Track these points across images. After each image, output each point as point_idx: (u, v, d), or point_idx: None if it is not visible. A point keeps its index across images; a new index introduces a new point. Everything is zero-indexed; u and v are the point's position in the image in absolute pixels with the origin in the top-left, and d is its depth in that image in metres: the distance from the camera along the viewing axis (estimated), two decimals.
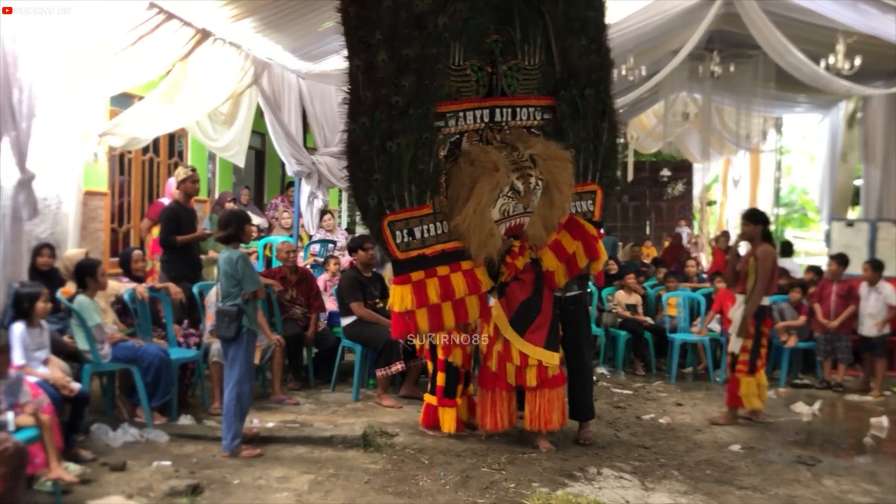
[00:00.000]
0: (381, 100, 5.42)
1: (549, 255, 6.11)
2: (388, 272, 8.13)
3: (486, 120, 6.03)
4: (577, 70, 6.30)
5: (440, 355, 6.26)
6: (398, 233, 5.59)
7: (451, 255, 5.77)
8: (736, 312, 7.15)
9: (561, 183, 5.97)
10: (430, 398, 6.38)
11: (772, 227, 18.28)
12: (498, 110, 6.08)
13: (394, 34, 5.41)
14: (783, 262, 10.48)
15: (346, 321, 7.61)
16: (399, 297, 5.63)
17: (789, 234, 21.68)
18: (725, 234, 14.45)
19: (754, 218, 7.35)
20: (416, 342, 6.51)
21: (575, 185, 6.24)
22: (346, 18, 5.43)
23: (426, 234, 5.71)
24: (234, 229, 5.70)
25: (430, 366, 6.50)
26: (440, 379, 6.28)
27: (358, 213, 5.69)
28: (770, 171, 18.91)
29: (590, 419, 6.53)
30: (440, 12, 5.55)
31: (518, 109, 6.18)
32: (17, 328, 5.14)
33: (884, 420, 7.37)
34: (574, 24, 6.29)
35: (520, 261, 5.98)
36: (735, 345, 7.11)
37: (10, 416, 4.40)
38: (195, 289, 7.21)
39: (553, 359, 6.00)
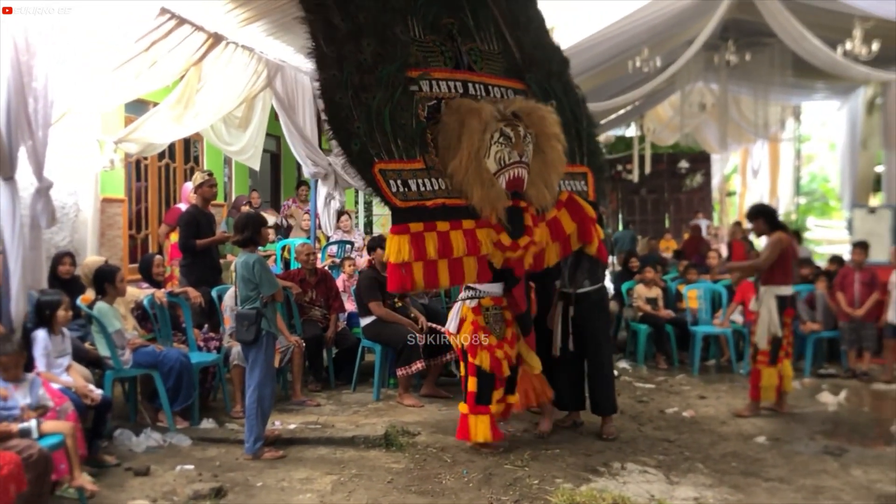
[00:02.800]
0: (347, 55, 5.27)
1: (544, 231, 5.92)
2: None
3: (460, 91, 5.91)
4: (535, 59, 6.38)
5: (470, 359, 5.87)
6: (392, 182, 5.30)
7: (453, 210, 5.48)
8: (758, 305, 7.10)
9: (549, 135, 5.85)
10: (462, 407, 5.92)
11: (793, 217, 18.27)
12: (471, 84, 5.98)
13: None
14: None
15: (365, 321, 7.60)
16: (396, 248, 5.24)
17: (811, 222, 21.47)
18: (738, 225, 14.36)
19: (755, 214, 7.41)
20: (452, 341, 6.14)
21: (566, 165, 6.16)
22: None
23: (423, 188, 5.44)
24: (250, 232, 5.70)
25: (462, 370, 6.11)
26: (471, 384, 5.84)
27: (343, 158, 5.38)
28: (789, 160, 18.76)
29: (612, 414, 6.48)
30: None
31: (490, 87, 6.11)
32: (40, 335, 5.17)
33: None
34: (520, 18, 6.37)
35: (538, 233, 5.78)
36: (762, 339, 7.06)
37: (33, 423, 4.42)
38: (214, 293, 7.23)
39: (538, 365, 6.05)
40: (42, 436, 4.42)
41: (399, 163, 5.36)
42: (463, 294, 5.99)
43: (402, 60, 5.53)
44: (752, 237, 9.25)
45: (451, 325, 6.04)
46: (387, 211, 14.90)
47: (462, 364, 6.03)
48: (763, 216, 7.26)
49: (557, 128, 5.93)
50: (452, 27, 6.00)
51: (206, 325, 7.32)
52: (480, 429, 5.79)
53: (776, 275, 7.12)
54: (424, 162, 5.52)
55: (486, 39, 6.20)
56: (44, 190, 5.55)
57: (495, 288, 5.86)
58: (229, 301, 7.00)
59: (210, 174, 7.96)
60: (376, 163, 5.26)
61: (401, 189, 5.33)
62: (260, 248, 5.99)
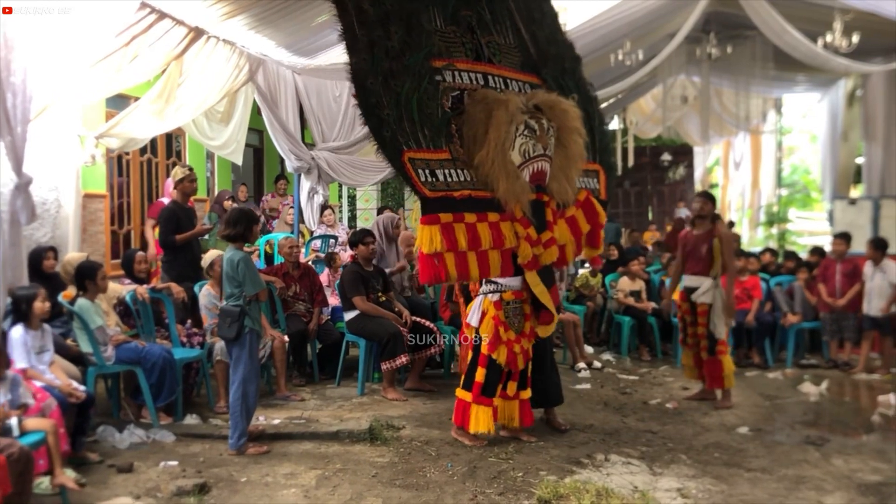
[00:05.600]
0: (377, 41, 5.22)
1: (564, 228, 5.91)
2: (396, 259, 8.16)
3: (481, 83, 5.87)
4: (549, 55, 6.34)
5: (483, 350, 5.83)
6: (420, 171, 5.22)
7: (479, 202, 5.43)
8: (703, 295, 7.15)
9: (571, 129, 5.83)
10: (462, 394, 5.91)
11: (775, 208, 18.40)
12: (491, 77, 5.94)
13: None
14: None
15: (349, 316, 7.59)
16: (428, 238, 5.18)
17: (792, 214, 21.60)
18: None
19: (713, 197, 7.59)
20: (467, 332, 6.10)
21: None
22: None
23: (450, 179, 5.37)
24: (241, 228, 5.64)
25: (469, 357, 6.05)
26: (479, 375, 5.81)
27: (376, 144, 5.30)
28: (771, 152, 18.86)
29: (559, 405, 6.47)
30: None
31: (509, 81, 6.06)
32: (17, 331, 5.12)
33: (892, 398, 7.35)
34: (534, 13, 6.33)
35: (557, 229, 5.77)
36: (720, 330, 7.13)
37: (14, 420, 4.39)
38: (197, 288, 7.20)
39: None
40: (23, 433, 4.40)
41: (427, 152, 5.30)
42: (485, 288, 5.95)
43: (428, 49, 5.47)
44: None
45: (473, 318, 6.00)
46: (370, 206, 14.87)
47: (470, 353, 6.00)
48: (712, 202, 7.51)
49: (579, 122, 5.89)
50: (471, 19, 5.93)
51: (189, 321, 7.30)
52: (482, 419, 5.78)
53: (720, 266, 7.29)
54: (450, 152, 5.46)
55: (503, 33, 6.14)
56: (23, 186, 5.51)
57: (515, 282, 5.82)
58: (204, 299, 7.00)
59: (191, 169, 7.92)
60: (405, 151, 5.19)
61: (429, 179, 5.26)
62: (247, 244, 5.95)
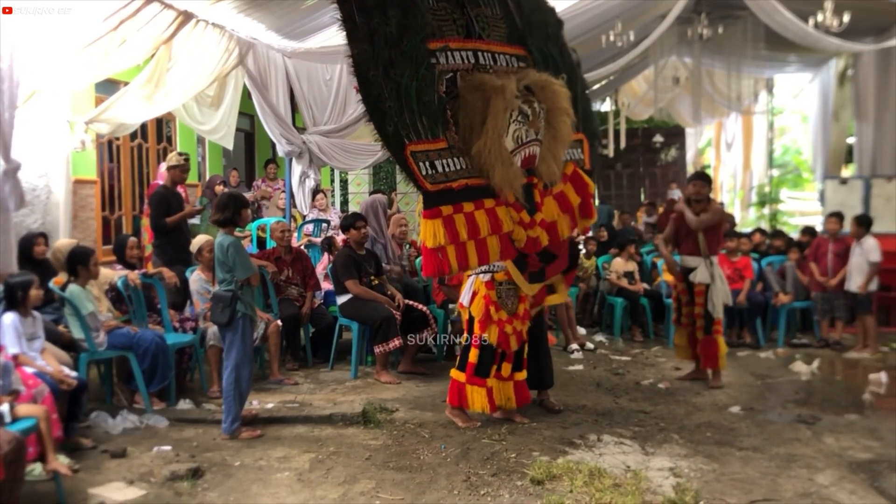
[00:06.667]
0: (377, 28, 5.18)
1: (552, 205, 5.92)
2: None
3: (472, 61, 5.83)
4: (534, 23, 6.28)
5: (476, 330, 5.88)
6: (421, 164, 5.25)
7: (475, 190, 5.46)
8: (700, 275, 7.16)
9: (560, 110, 5.81)
10: (457, 374, 5.97)
11: (767, 189, 18.44)
12: (480, 54, 5.89)
13: None
14: None
15: (341, 300, 7.59)
16: (431, 232, 5.25)
17: (784, 194, 21.63)
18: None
19: (709, 178, 7.70)
20: (462, 312, 6.16)
21: None
22: None
23: (448, 169, 5.39)
24: (230, 213, 5.62)
25: (464, 339, 6.09)
26: (472, 355, 5.88)
27: (379, 140, 5.32)
28: (762, 133, 18.87)
29: (550, 388, 6.52)
30: None
31: (497, 55, 6.01)
32: (8, 318, 5.10)
33: (882, 376, 7.40)
34: None
35: (545, 208, 5.78)
36: (718, 310, 7.15)
37: (6, 407, 4.38)
38: (189, 272, 7.20)
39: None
40: (15, 420, 4.39)
41: (425, 143, 5.31)
42: (477, 268, 5.96)
43: (424, 31, 5.43)
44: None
45: (465, 298, 6.05)
46: (362, 189, 14.80)
47: (465, 334, 6.02)
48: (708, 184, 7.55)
49: (567, 102, 5.88)
50: None
51: (185, 306, 7.28)
52: (477, 399, 5.85)
53: (715, 245, 7.36)
54: (447, 140, 5.46)
55: (489, 4, 6.06)
56: (11, 172, 5.49)
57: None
58: (194, 285, 6.99)
59: (186, 159, 7.90)
60: (407, 144, 5.20)
61: (430, 171, 5.29)
62: (238, 229, 5.94)
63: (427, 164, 5.27)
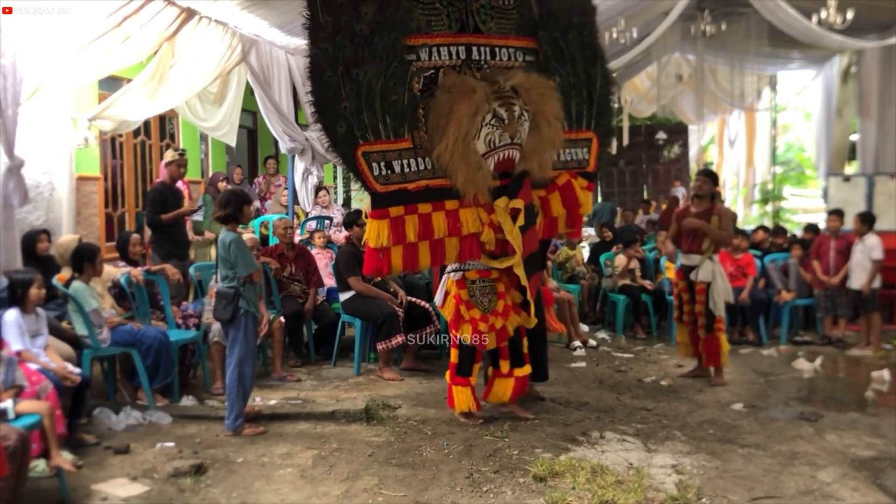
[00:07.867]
0: (344, 25, 5.14)
1: (557, 200, 5.93)
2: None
3: (463, 56, 5.78)
4: (555, 12, 6.12)
5: (452, 331, 5.89)
6: (374, 164, 5.26)
7: (436, 192, 5.47)
8: (702, 274, 7.13)
9: (547, 113, 5.74)
10: (447, 375, 6.00)
11: (770, 186, 18.42)
12: (475, 48, 5.83)
13: None
14: None
15: (344, 296, 7.59)
16: (375, 233, 5.28)
17: (787, 191, 21.60)
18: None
19: (715, 177, 7.62)
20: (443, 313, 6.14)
21: (569, 132, 6.09)
22: None
23: (407, 169, 5.39)
24: (232, 209, 5.61)
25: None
26: (453, 356, 5.92)
27: (327, 141, 5.31)
28: (766, 130, 18.84)
29: (545, 381, 6.55)
30: None
31: (497, 49, 5.93)
32: (11, 314, 5.10)
33: (885, 374, 7.40)
34: None
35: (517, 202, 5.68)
36: (720, 308, 7.14)
37: (9, 403, 4.39)
38: (192, 270, 7.21)
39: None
40: (19, 416, 4.40)
41: (385, 143, 5.31)
42: (449, 267, 5.95)
43: (402, 28, 5.38)
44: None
45: (438, 297, 6.07)
46: None
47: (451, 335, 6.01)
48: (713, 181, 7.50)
49: (557, 106, 5.82)
50: None
51: (192, 299, 7.28)
52: (462, 399, 5.85)
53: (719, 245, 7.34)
54: (412, 140, 5.45)
55: None
56: (15, 168, 5.50)
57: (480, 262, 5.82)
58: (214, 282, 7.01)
59: (182, 154, 7.91)
60: (360, 145, 5.21)
61: (383, 172, 5.30)
62: (241, 225, 5.95)
63: (382, 164, 5.30)
